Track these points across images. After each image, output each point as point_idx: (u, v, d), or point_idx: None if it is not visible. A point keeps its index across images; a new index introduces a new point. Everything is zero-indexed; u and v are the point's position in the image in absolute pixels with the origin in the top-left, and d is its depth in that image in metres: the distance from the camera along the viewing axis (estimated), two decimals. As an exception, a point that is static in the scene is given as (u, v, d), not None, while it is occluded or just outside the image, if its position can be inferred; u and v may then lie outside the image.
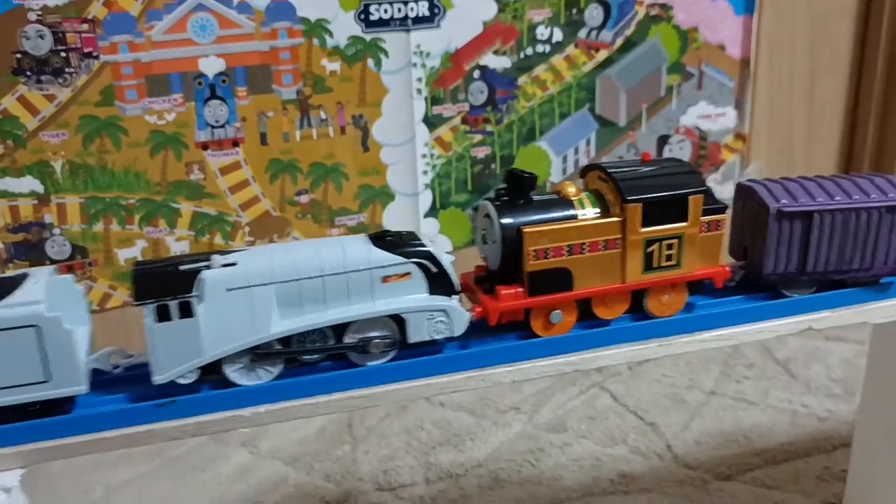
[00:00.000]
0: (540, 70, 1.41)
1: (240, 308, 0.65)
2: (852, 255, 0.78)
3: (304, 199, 1.36)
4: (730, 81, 1.53)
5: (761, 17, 1.51)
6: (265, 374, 0.67)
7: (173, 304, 0.63)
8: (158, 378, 0.64)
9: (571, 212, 0.72)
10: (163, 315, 0.63)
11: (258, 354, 0.66)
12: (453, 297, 0.69)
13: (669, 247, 0.73)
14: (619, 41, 1.44)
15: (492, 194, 0.72)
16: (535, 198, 0.71)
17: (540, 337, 0.72)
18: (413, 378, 0.69)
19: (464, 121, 1.40)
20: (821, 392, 1.30)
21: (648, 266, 0.73)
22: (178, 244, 1.33)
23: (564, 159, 1.48)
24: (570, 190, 0.73)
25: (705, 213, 0.73)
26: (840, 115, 1.64)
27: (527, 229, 0.69)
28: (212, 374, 0.66)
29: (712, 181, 1.58)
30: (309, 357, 0.68)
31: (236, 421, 0.67)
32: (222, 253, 0.67)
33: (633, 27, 1.44)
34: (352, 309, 0.67)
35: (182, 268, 0.64)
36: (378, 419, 1.27)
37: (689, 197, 0.72)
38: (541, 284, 0.70)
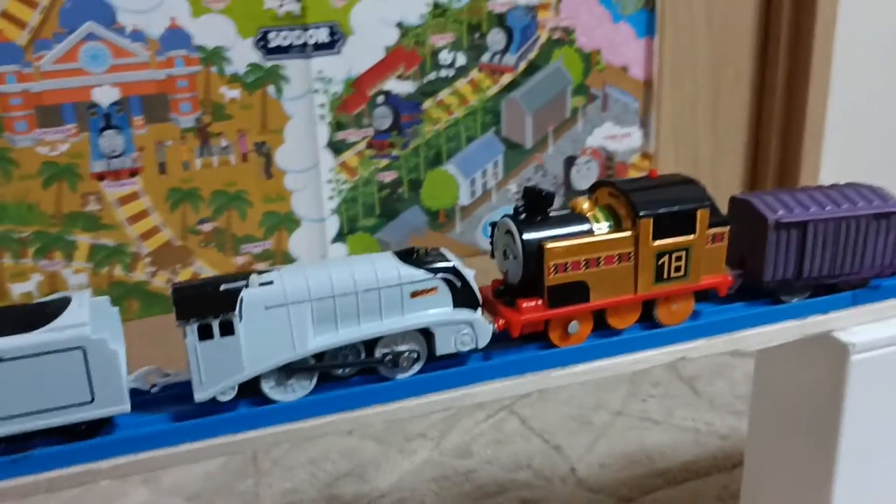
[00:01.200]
0: (444, 94, 1.42)
1: (278, 325, 0.67)
2: (843, 260, 0.84)
3: (206, 227, 1.34)
4: (634, 102, 1.55)
5: (663, 39, 1.54)
6: (300, 390, 0.69)
7: (215, 323, 0.65)
8: (200, 396, 0.65)
9: (587, 227, 0.75)
10: (205, 334, 0.65)
11: (295, 370, 0.68)
12: (477, 310, 0.72)
13: (678, 258, 0.77)
14: (523, 64, 1.45)
15: (510, 211, 0.74)
16: (552, 214, 0.74)
17: (558, 347, 0.76)
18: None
19: (369, 146, 1.40)
20: (724, 409, 1.33)
21: (659, 277, 0.77)
22: (76, 276, 1.30)
23: (472, 182, 1.49)
24: (585, 206, 0.75)
25: (710, 225, 0.77)
26: (744, 133, 1.68)
27: (548, 245, 0.72)
28: (247, 391, 0.68)
29: (621, 200, 1.60)
30: (341, 371, 0.71)
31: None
32: (259, 272, 0.69)
33: (537, 50, 1.45)
34: (384, 324, 0.69)
35: (222, 287, 0.66)
36: (284, 450, 1.26)
37: (697, 211, 0.76)
38: (560, 297, 0.74)
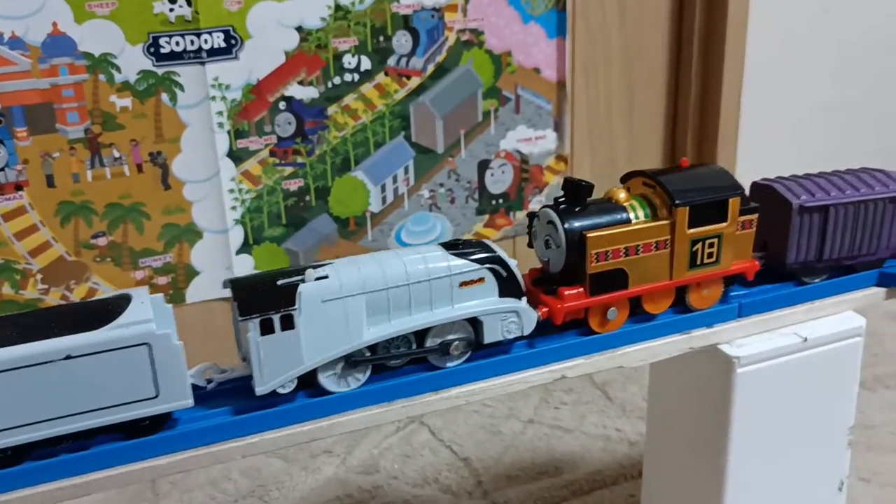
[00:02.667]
0: (350, 99, 1.38)
1: (334, 318, 0.68)
2: (861, 242, 0.88)
3: (101, 241, 1.29)
4: (547, 104, 1.53)
5: (574, 39, 1.52)
6: (354, 381, 0.71)
7: (276, 318, 0.66)
8: (261, 389, 0.67)
9: (625, 216, 0.78)
10: (266, 328, 0.66)
11: (351, 362, 0.70)
12: (522, 298, 0.75)
13: (711, 245, 0.80)
14: (431, 68, 1.42)
15: (551, 202, 0.77)
16: (591, 204, 0.77)
17: (598, 333, 0.79)
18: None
19: (272, 153, 1.36)
20: (634, 415, 1.32)
21: (693, 263, 0.80)
22: (-38, 296, 1.24)
23: (383, 188, 1.45)
24: (621, 196, 0.79)
25: (741, 213, 0.80)
26: (660, 131, 1.67)
27: (590, 234, 0.75)
28: (303, 383, 0.69)
29: (536, 204, 1.58)
30: (394, 362, 0.72)
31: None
32: (314, 266, 0.70)
33: (445, 53, 1.42)
34: (434, 314, 0.72)
35: (279, 283, 0.67)
36: (184, 473, 1.22)
37: (730, 199, 0.79)
38: (600, 284, 0.76)
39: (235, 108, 1.31)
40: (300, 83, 1.34)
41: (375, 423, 0.72)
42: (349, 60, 1.36)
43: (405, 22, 1.38)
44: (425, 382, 0.73)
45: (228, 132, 1.32)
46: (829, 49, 1.70)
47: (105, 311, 0.64)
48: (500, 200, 1.55)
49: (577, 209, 0.76)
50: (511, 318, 0.74)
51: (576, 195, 0.77)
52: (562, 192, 0.78)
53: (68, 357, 0.61)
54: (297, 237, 1.42)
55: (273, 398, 0.68)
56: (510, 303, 0.74)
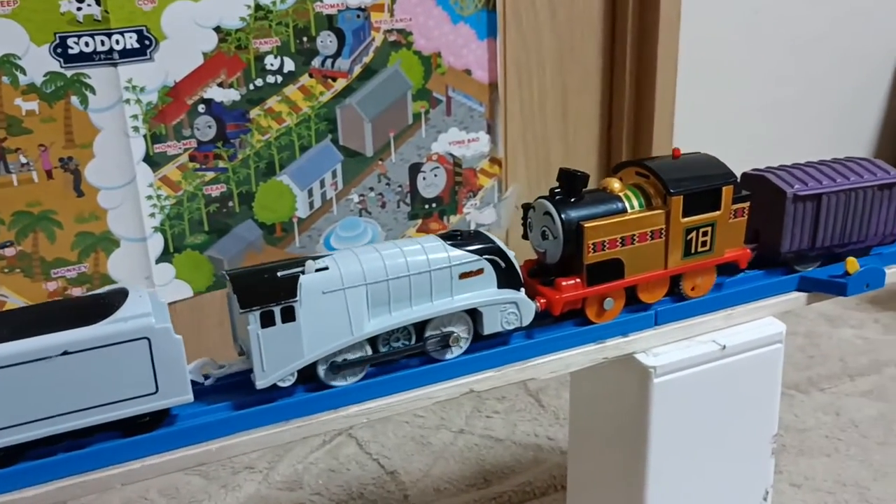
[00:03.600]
0: (273, 102, 1.34)
1: (335, 310, 0.68)
2: (851, 229, 0.89)
3: (9, 252, 1.23)
4: (480, 106, 1.50)
5: (506, 40, 1.49)
6: (353, 376, 0.70)
7: (277, 310, 0.65)
8: (262, 382, 0.66)
9: (620, 205, 0.78)
10: (267, 321, 0.65)
11: (350, 354, 0.69)
12: (520, 290, 0.75)
13: (705, 233, 0.80)
14: (358, 69, 1.39)
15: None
16: (586, 195, 0.77)
17: (595, 323, 0.79)
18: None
19: (192, 158, 1.31)
20: (567, 422, 1.29)
21: (687, 252, 0.81)
22: None
23: (310, 193, 1.41)
24: (616, 185, 0.79)
25: (733, 201, 0.81)
26: (595, 133, 1.65)
27: (587, 224, 0.75)
28: (302, 377, 0.68)
29: (470, 207, 1.56)
30: (394, 355, 0.72)
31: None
32: (314, 258, 0.69)
33: (372, 54, 1.39)
34: (435, 305, 0.71)
35: (279, 275, 0.67)
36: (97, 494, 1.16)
37: (723, 188, 0.80)
38: (597, 274, 0.77)
39: (151, 112, 1.26)
40: (220, 85, 1.29)
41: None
42: (271, 62, 1.32)
43: (329, 22, 1.34)
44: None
45: (144, 136, 1.27)
46: (762, 50, 1.69)
47: (101, 306, 0.63)
48: (434, 205, 1.52)
49: (572, 199, 0.76)
50: (510, 309, 0.74)
51: (571, 185, 0.77)
52: (557, 183, 0.78)
53: (65, 353, 0.60)
54: (221, 244, 1.37)
55: (272, 392, 0.68)
56: (509, 294, 0.74)
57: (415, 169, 1.48)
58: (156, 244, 1.32)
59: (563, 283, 0.76)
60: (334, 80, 1.38)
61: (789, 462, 1.18)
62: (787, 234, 0.86)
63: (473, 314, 0.73)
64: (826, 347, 1.47)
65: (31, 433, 0.61)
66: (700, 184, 0.79)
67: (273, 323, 0.65)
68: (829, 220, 0.87)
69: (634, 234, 0.77)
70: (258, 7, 1.28)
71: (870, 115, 1.88)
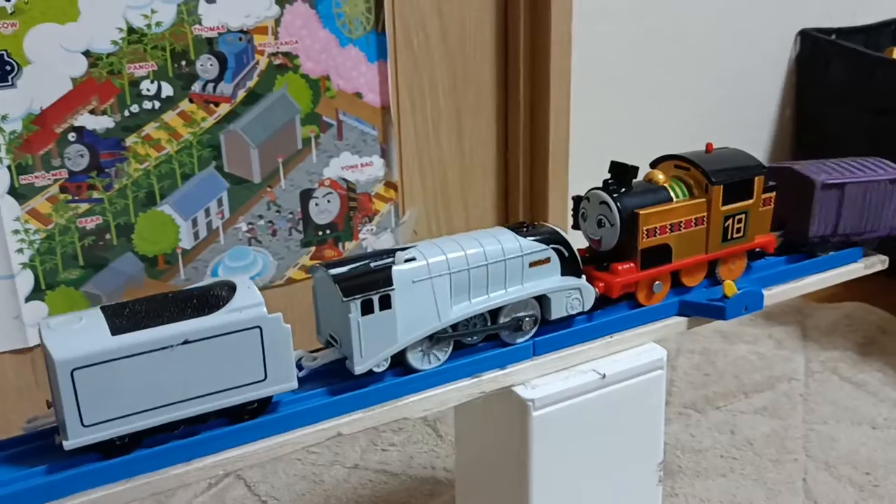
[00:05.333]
0: (151, 129, 1.28)
1: (423, 298, 0.72)
2: (867, 219, 0.97)
3: None
4: (372, 130, 1.47)
5: (397, 62, 1.46)
6: (436, 359, 0.75)
7: (376, 298, 0.69)
8: (360, 368, 0.70)
9: (667, 195, 0.85)
10: (367, 309, 0.69)
11: (436, 339, 0.74)
12: (582, 276, 0.80)
13: (739, 220, 0.88)
14: (242, 93, 1.34)
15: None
16: (636, 186, 0.84)
17: (645, 305, 0.86)
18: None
19: (63, 189, 1.24)
20: (465, 452, 1.26)
21: (725, 238, 0.88)
22: None
23: (194, 223, 1.35)
24: (660, 177, 0.86)
25: (763, 190, 0.89)
26: (492, 155, 1.63)
27: (642, 212, 0.82)
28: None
29: (367, 233, 1.52)
30: (471, 339, 0.77)
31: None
32: (401, 249, 0.73)
33: (256, 78, 1.34)
34: (508, 293, 0.77)
35: (372, 265, 0.71)
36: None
37: (755, 178, 0.88)
38: (650, 259, 0.84)
39: (16, 141, 1.19)
40: (92, 112, 1.23)
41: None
42: (147, 87, 1.26)
43: (210, 45, 1.29)
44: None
45: (9, 167, 1.19)
46: (653, 67, 1.71)
47: (212, 298, 0.65)
48: (328, 231, 1.47)
49: (623, 190, 0.83)
50: (574, 294, 0.79)
51: (622, 177, 0.83)
52: (609, 175, 0.85)
53: (186, 342, 0.62)
54: (99, 279, 1.30)
55: (364, 378, 0.72)
56: (574, 280, 0.79)
57: (306, 195, 1.44)
58: (25, 281, 1.24)
59: (620, 268, 0.82)
60: (217, 105, 1.32)
61: (685, 484, 1.17)
62: (815, 220, 0.94)
63: (540, 300, 0.79)
64: (722, 365, 1.48)
65: (152, 420, 0.63)
66: (736, 174, 0.87)
67: (372, 311, 0.69)
68: (850, 208, 0.96)
69: (681, 221, 0.84)
70: (131, 30, 1.22)
71: (769, 109, 1.92)
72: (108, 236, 1.29)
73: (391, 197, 1.53)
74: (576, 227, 0.87)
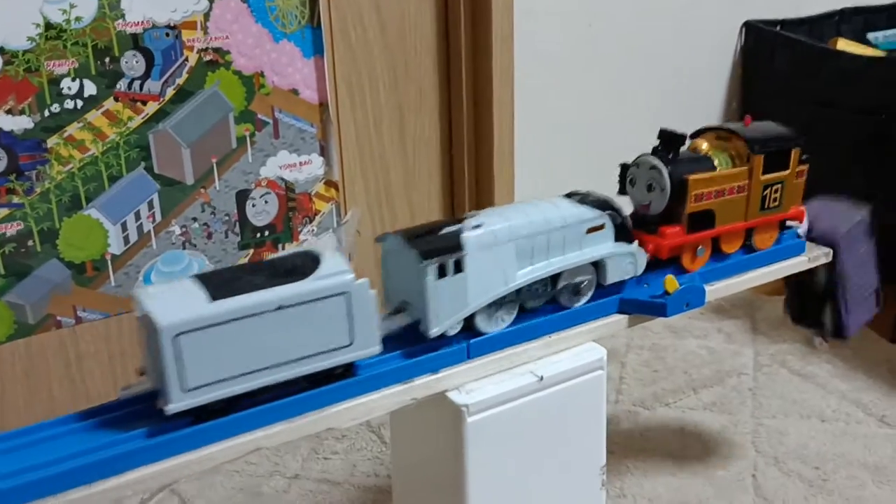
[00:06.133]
0: (74, 129, 1.22)
1: (491, 263, 0.74)
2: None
3: None
4: (311, 127, 1.42)
5: (334, 58, 1.42)
6: (502, 322, 0.78)
7: (450, 262, 0.71)
8: (435, 330, 0.72)
9: (711, 163, 0.88)
10: (442, 272, 0.71)
11: (502, 303, 0.77)
12: (633, 242, 0.83)
13: (776, 190, 0.91)
14: (171, 91, 1.28)
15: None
16: (682, 154, 0.88)
17: (690, 271, 0.89)
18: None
19: (-20, 194, 1.17)
20: (409, 458, 1.22)
21: (763, 206, 0.92)
22: None
23: (124, 227, 1.29)
24: (704, 146, 0.90)
25: (798, 162, 0.93)
26: (436, 152, 1.59)
27: (691, 178, 0.85)
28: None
29: (308, 234, 1.47)
30: (534, 303, 0.80)
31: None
32: (468, 216, 0.75)
33: (186, 75, 1.29)
34: (567, 258, 0.79)
35: (443, 232, 0.73)
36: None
37: (792, 149, 0.92)
38: (696, 223, 0.87)
39: (-74, 144, 1.12)
40: (8, 112, 1.17)
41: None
42: (69, 85, 1.20)
43: (135, 41, 1.23)
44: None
45: (-81, 172, 1.13)
46: (598, 62, 1.69)
47: (298, 266, 0.67)
48: (266, 233, 1.43)
49: (671, 156, 0.86)
50: (628, 259, 0.82)
51: (670, 144, 0.87)
52: (658, 142, 0.88)
53: (280, 308, 0.64)
54: (22, 288, 1.23)
55: (436, 342, 0.74)
56: (627, 246, 0.82)
57: (242, 196, 1.39)
58: (-58, 292, 1.18)
59: (668, 231, 0.85)
60: (144, 103, 1.27)
61: (634, 484, 1.15)
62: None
63: (596, 265, 0.81)
64: (671, 360, 1.46)
65: (248, 385, 0.65)
66: (775, 145, 0.90)
67: (445, 274, 0.71)
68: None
69: (725, 189, 0.87)
70: (49, 26, 1.16)
71: (716, 102, 1.91)
72: (30, 243, 1.22)
73: (332, 196, 1.49)
74: (622, 192, 0.90)
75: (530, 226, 0.76)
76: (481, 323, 0.76)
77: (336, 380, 0.69)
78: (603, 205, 0.81)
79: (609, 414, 1.31)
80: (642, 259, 0.83)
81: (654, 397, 1.36)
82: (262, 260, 0.69)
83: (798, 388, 1.37)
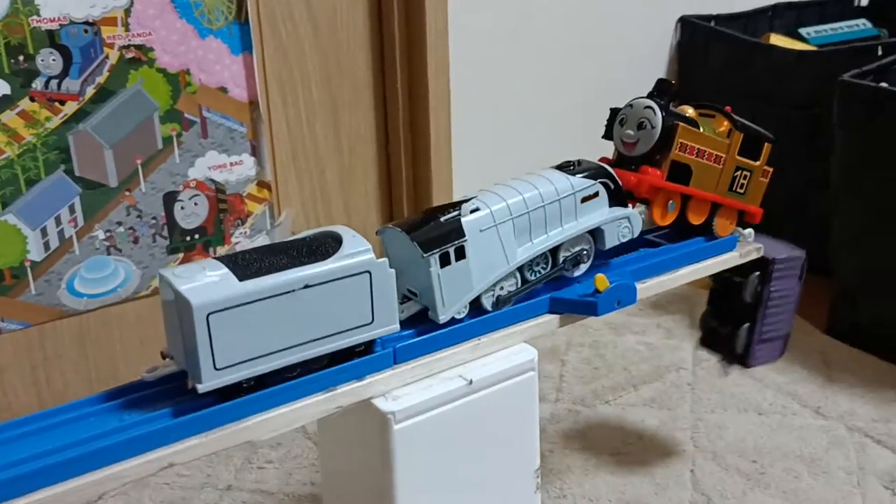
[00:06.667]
0: (-14, 131, 1.16)
1: (492, 244, 0.76)
2: None
3: None
4: (241, 126, 1.38)
5: (263, 55, 1.38)
6: (509, 300, 0.80)
7: (452, 250, 0.73)
8: (444, 316, 0.75)
9: (697, 125, 0.90)
10: (445, 261, 0.73)
11: (504, 282, 0.78)
12: (628, 205, 0.85)
13: (745, 177, 0.95)
14: (91, 90, 1.23)
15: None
16: (671, 108, 0.89)
17: (661, 226, 0.91)
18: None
19: None
20: (346, 464, 1.19)
21: (731, 187, 0.94)
22: None
23: (44, 232, 1.24)
24: (690, 111, 0.92)
25: (767, 162, 0.96)
26: (373, 150, 1.57)
27: (681, 125, 0.87)
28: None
29: (240, 236, 1.43)
30: (537, 276, 0.81)
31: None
32: (464, 201, 0.76)
33: (107, 73, 1.24)
34: (565, 230, 0.81)
35: (441, 219, 0.74)
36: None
37: (766, 143, 0.96)
38: (675, 173, 0.88)
39: None
40: (-86, 114, 1.11)
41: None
42: (-20, 85, 1.15)
43: (51, 38, 1.18)
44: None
45: None
46: (535, 56, 1.68)
47: (320, 246, 0.69)
48: (196, 236, 1.38)
49: (663, 103, 0.88)
50: (625, 223, 0.84)
51: (663, 91, 0.89)
52: (653, 88, 0.90)
53: (306, 286, 0.66)
54: (-66, 299, 1.18)
55: (448, 324, 0.76)
56: (622, 211, 0.84)
57: (170, 198, 1.34)
58: None
59: (650, 170, 0.87)
60: (63, 103, 1.22)
61: (574, 484, 1.14)
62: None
63: (593, 233, 0.83)
64: (611, 357, 1.46)
65: (276, 363, 0.66)
66: (755, 131, 0.94)
67: (449, 262, 0.73)
68: None
69: (705, 151, 0.90)
70: (-43, 22, 1.11)
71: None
72: (-58, 251, 1.17)
73: (265, 197, 1.45)
74: (606, 136, 0.92)
75: (526, 203, 0.78)
76: (486, 302, 0.78)
77: (358, 356, 0.72)
78: (595, 173, 0.83)
79: (549, 412, 1.30)
80: (637, 222, 0.86)
81: (594, 395, 1.35)
82: (285, 240, 0.70)
83: (735, 381, 1.38)
